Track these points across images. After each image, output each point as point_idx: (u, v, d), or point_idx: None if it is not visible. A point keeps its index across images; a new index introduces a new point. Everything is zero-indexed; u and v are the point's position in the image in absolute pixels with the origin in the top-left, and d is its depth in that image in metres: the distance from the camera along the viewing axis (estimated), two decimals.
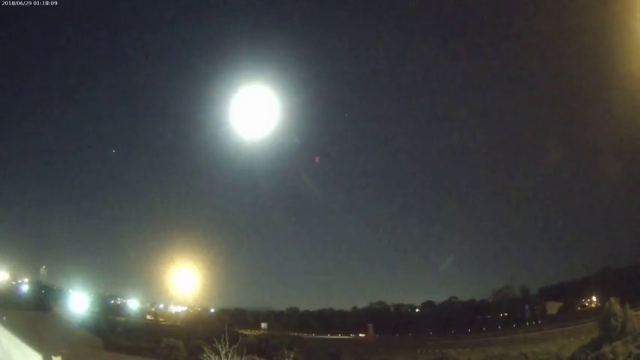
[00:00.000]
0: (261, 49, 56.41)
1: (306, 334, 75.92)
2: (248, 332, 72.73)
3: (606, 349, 35.30)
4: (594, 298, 66.89)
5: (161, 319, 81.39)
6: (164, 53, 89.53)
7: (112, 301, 79.63)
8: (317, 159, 42.31)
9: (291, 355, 27.75)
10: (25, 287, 69.17)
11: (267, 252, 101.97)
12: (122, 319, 71.08)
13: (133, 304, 79.53)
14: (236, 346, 22.67)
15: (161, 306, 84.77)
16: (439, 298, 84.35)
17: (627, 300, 39.91)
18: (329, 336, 79.10)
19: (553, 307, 71.42)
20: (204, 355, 22.69)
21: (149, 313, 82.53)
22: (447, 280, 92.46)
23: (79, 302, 65.72)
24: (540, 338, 54.32)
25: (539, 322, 70.17)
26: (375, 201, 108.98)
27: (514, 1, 66.63)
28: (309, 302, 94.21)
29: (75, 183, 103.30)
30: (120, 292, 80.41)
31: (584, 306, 69.08)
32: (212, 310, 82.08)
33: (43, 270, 72.36)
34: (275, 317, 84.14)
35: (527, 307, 74.58)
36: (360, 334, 78.45)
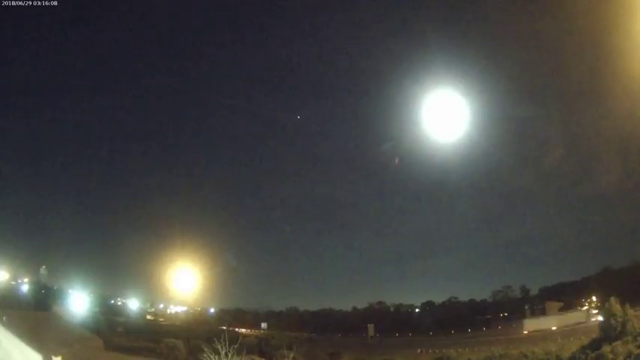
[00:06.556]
0: (456, 50, 53.62)
1: (306, 334, 75.85)
2: (248, 332, 72.77)
3: (606, 349, 35.31)
4: (594, 298, 66.80)
5: (161, 319, 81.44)
6: (344, 56, 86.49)
7: (112, 301, 79.73)
8: (397, 160, 42.47)
9: (291, 355, 27.71)
10: (25, 287, 69.17)
11: (267, 252, 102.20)
12: (122, 319, 71.00)
13: (133, 304, 79.61)
14: (236, 346, 22.67)
15: (161, 306, 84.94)
16: (439, 298, 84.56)
17: (627, 300, 39.94)
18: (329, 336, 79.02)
19: (553, 307, 71.31)
20: (204, 355, 22.70)
21: (149, 313, 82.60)
22: (446, 280, 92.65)
23: (79, 302, 65.69)
24: (540, 338, 54.27)
25: None
26: (376, 201, 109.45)
27: (514, 1, 66.46)
28: (309, 302, 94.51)
29: (74, 183, 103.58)
30: (120, 292, 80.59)
31: (584, 306, 68.99)
32: (212, 310, 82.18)
33: (43, 270, 72.38)
34: (275, 317, 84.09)
35: (527, 307, 74.54)
36: None
